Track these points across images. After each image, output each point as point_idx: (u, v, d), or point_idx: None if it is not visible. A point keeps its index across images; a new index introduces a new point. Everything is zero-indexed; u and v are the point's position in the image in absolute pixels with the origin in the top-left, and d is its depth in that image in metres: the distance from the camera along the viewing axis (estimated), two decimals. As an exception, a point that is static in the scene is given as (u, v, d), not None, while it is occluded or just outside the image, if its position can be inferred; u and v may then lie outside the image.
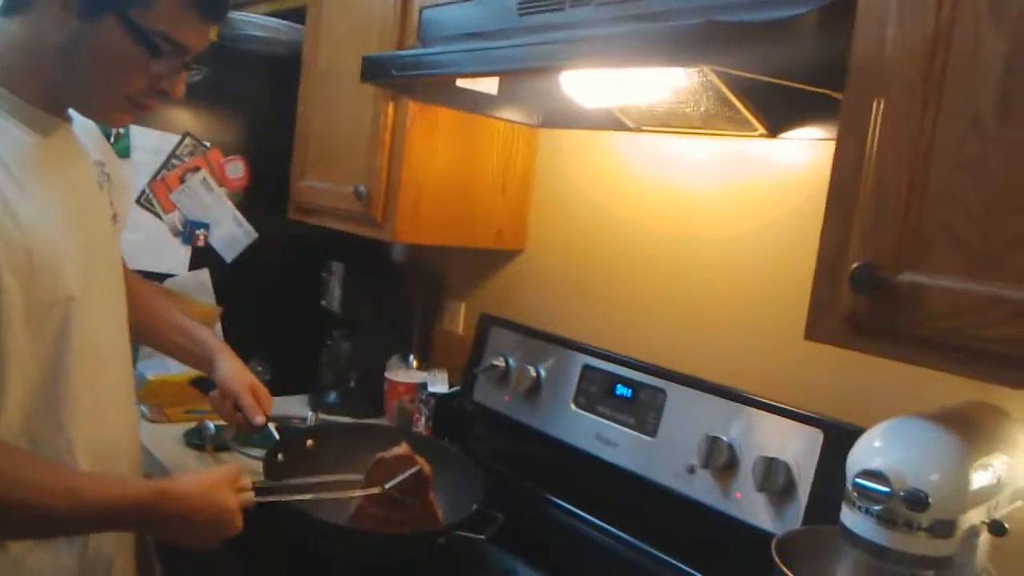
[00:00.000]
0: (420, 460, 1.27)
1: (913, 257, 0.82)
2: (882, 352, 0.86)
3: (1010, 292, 0.75)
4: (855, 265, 0.83)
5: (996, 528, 0.88)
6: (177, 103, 1.84)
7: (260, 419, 1.34)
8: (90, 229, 1.08)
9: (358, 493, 1.26)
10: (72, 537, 1.04)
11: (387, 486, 1.24)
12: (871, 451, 0.86)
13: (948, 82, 0.80)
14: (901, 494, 0.81)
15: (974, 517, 0.86)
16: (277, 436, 1.36)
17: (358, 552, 1.25)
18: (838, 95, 0.91)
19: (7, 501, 0.90)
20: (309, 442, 1.44)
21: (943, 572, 0.87)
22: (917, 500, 0.80)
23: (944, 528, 0.83)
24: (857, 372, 1.20)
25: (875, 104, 0.85)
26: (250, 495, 1.10)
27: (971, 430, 0.90)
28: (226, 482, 1.06)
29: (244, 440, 1.58)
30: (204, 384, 1.40)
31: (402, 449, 1.28)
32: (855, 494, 0.84)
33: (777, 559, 0.91)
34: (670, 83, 1.26)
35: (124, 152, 1.78)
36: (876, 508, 0.82)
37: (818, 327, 0.90)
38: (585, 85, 1.34)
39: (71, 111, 1.10)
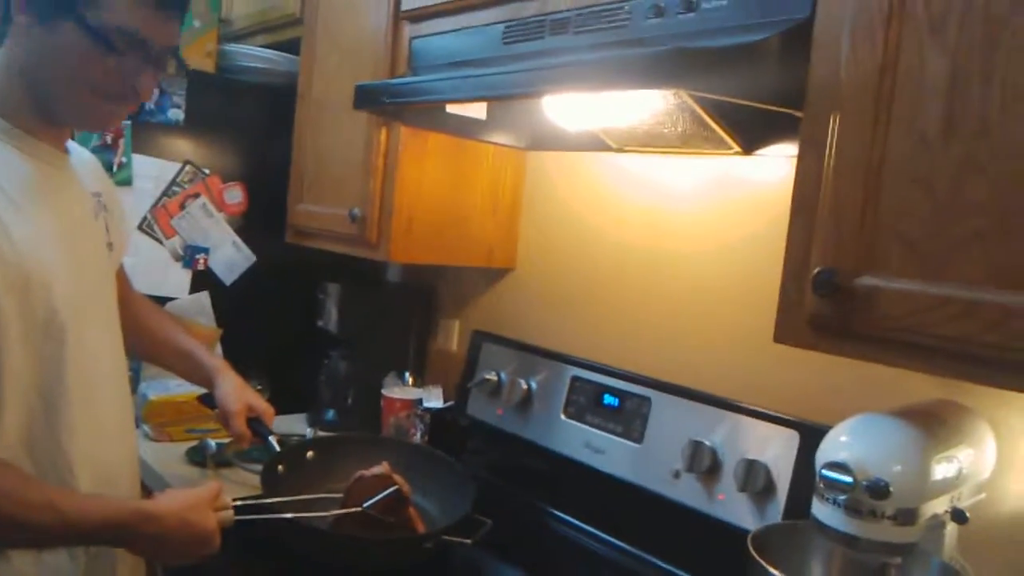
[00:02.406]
0: (398, 479, 1.30)
1: (869, 262, 0.88)
2: (844, 352, 0.91)
3: (959, 292, 0.81)
4: (817, 271, 0.90)
5: (958, 516, 0.94)
6: (178, 132, 1.91)
7: (243, 444, 1.42)
8: (83, 255, 1.13)
9: (337, 512, 1.30)
10: None
11: (365, 505, 1.28)
12: (837, 445, 0.92)
13: (897, 101, 0.86)
14: (864, 484, 0.86)
15: (937, 506, 0.92)
16: (278, 448, 1.41)
17: (346, 558, 1.28)
18: (799, 114, 0.98)
19: None
20: (309, 453, 1.49)
21: (909, 558, 0.93)
22: (878, 489, 0.85)
23: (907, 516, 0.88)
24: (828, 374, 1.26)
25: (831, 122, 0.92)
26: (230, 513, 1.13)
27: (934, 425, 0.96)
28: (205, 502, 1.11)
29: (245, 456, 1.62)
30: (210, 400, 1.45)
31: (381, 468, 1.31)
32: (822, 486, 0.89)
33: (753, 552, 0.96)
34: (648, 105, 1.33)
35: (127, 180, 1.85)
36: (842, 498, 0.87)
37: (785, 330, 0.96)
38: (567, 109, 1.40)
39: (69, 145, 1.16)
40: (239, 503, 1.17)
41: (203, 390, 1.49)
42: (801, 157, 0.95)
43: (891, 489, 0.85)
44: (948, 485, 0.92)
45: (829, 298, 0.89)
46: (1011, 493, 1.07)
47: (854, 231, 0.89)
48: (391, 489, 1.28)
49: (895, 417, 0.95)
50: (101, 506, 1.04)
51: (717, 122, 1.32)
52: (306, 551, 1.27)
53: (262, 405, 1.44)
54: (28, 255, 1.00)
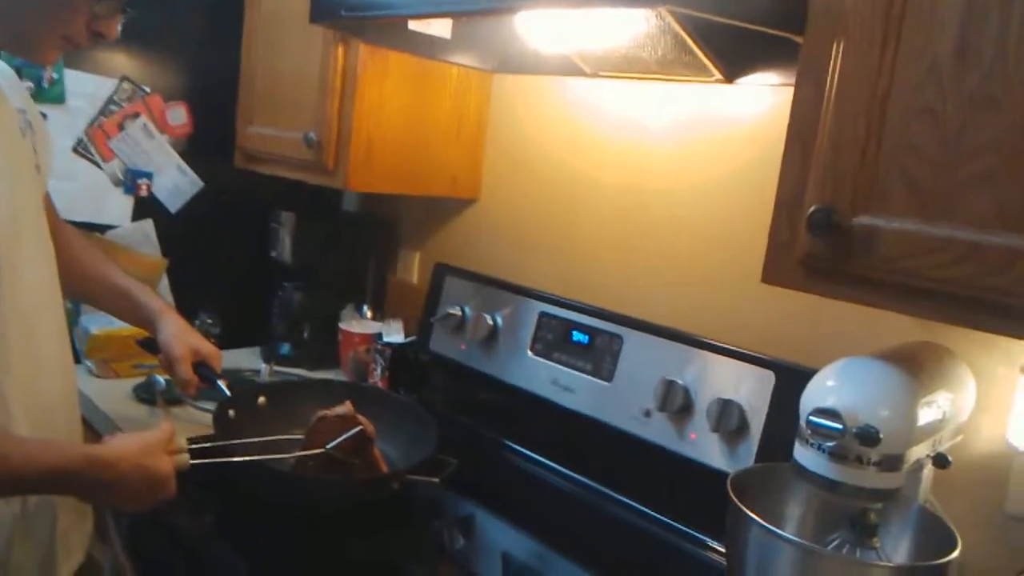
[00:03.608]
0: (362, 420, 1.26)
1: (869, 200, 0.83)
2: (837, 294, 0.87)
3: (961, 234, 0.77)
4: (812, 208, 0.85)
5: (940, 461, 0.92)
6: (113, 45, 1.75)
7: (190, 391, 1.34)
8: (12, 177, 1.03)
9: (298, 454, 1.25)
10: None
11: (328, 446, 1.23)
12: (824, 390, 0.89)
13: (907, 25, 0.80)
14: (854, 431, 0.83)
15: (920, 451, 0.90)
16: (228, 393, 1.34)
17: (308, 500, 1.24)
18: (798, 38, 0.91)
19: None
20: (261, 399, 1.42)
21: (890, 503, 0.91)
22: (869, 436, 0.82)
23: (893, 462, 0.86)
24: (805, 314, 1.24)
25: (834, 47, 0.85)
26: (185, 457, 1.07)
27: (918, 369, 0.93)
28: (159, 445, 1.04)
29: (196, 393, 1.55)
30: (152, 345, 1.36)
31: (344, 408, 1.26)
32: (809, 432, 0.86)
33: (732, 495, 0.94)
34: (628, 27, 1.24)
35: (59, 98, 1.70)
36: (829, 444, 0.84)
37: (775, 270, 0.91)
38: (541, 28, 1.31)
39: None
40: (194, 446, 1.10)
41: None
42: (799, 85, 0.89)
43: (881, 436, 0.82)
44: (932, 429, 0.90)
45: (824, 238, 0.84)
46: (985, 435, 1.07)
47: (854, 166, 0.84)
48: (355, 430, 1.23)
49: (881, 361, 0.92)
50: (49, 452, 0.96)
51: (700, 46, 1.25)
52: (267, 493, 1.22)
53: (208, 348, 1.35)
54: None
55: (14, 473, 0.92)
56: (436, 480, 1.23)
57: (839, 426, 0.83)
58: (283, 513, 1.23)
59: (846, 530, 0.93)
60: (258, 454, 1.19)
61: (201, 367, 1.34)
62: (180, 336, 1.32)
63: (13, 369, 1.00)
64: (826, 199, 0.85)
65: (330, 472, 1.24)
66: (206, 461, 1.11)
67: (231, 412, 1.33)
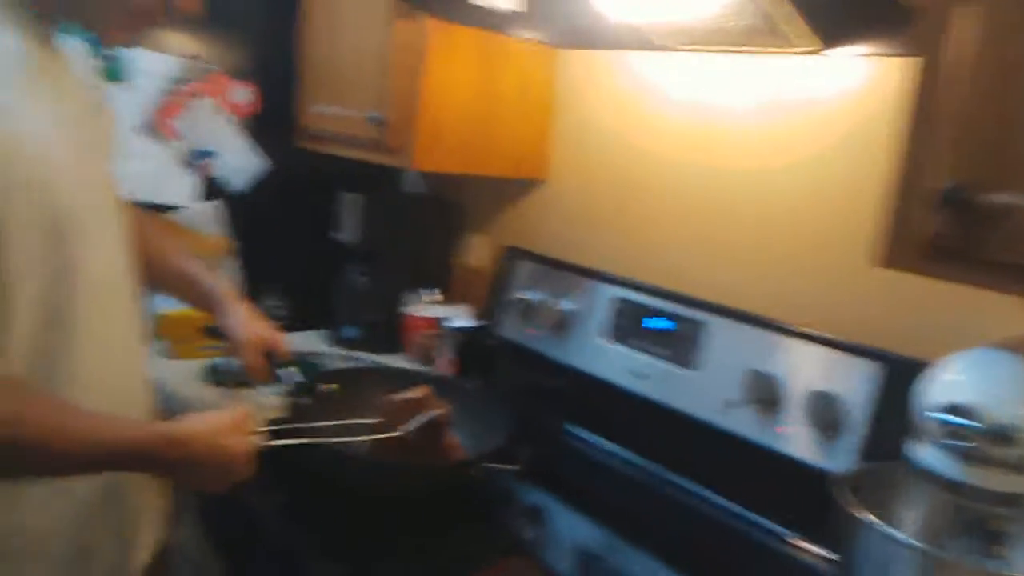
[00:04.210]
0: (439, 403, 1.23)
1: (1005, 176, 0.75)
2: (965, 278, 0.80)
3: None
4: (945, 185, 0.77)
5: (1076, 463, 0.84)
6: (178, 23, 1.73)
7: (259, 378, 1.30)
8: (89, 153, 1.00)
9: (374, 437, 1.21)
10: None
11: (405, 430, 1.20)
12: (950, 385, 0.82)
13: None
14: (988, 429, 0.76)
15: (1054, 452, 0.82)
16: (301, 378, 1.32)
17: (384, 486, 1.21)
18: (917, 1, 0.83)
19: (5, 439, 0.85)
20: (333, 386, 1.39)
21: (1014, 509, 0.84)
22: (1005, 434, 0.75)
23: (1026, 463, 0.78)
24: (906, 305, 1.15)
25: (968, 10, 0.77)
26: (262, 437, 1.05)
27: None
28: (234, 426, 1.01)
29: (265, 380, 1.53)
30: (218, 332, 1.34)
31: (420, 391, 1.24)
32: (938, 430, 0.79)
33: (845, 495, 0.87)
34: (718, -7, 1.17)
35: (124, 76, 1.68)
36: (962, 444, 0.77)
37: (896, 254, 0.84)
38: (622, -4, 1.24)
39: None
40: (270, 427, 1.08)
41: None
42: (924, 54, 0.81)
43: (1019, 435, 0.75)
44: (1067, 429, 0.82)
45: (957, 217, 0.77)
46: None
47: (991, 140, 0.76)
48: (433, 413, 1.20)
49: (1008, 352, 0.84)
50: (123, 429, 0.94)
51: (798, 10, 1.16)
52: (343, 478, 1.19)
53: (274, 335, 1.32)
54: (29, 151, 0.87)
55: (88, 449, 0.90)
56: (516, 467, 1.18)
57: (974, 424, 0.76)
58: (357, 498, 1.20)
59: (969, 537, 0.85)
60: (333, 437, 1.16)
61: (269, 354, 1.31)
62: (247, 323, 1.30)
63: (89, 341, 0.98)
64: (957, 175, 0.77)
65: (406, 457, 1.21)
66: (283, 443, 1.09)
67: (304, 399, 1.30)
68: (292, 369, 1.32)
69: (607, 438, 1.48)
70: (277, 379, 1.35)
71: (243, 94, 1.84)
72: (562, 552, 1.22)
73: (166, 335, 1.68)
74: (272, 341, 1.31)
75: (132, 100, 1.71)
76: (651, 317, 1.40)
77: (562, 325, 1.53)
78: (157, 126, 1.75)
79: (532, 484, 1.32)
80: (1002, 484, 0.79)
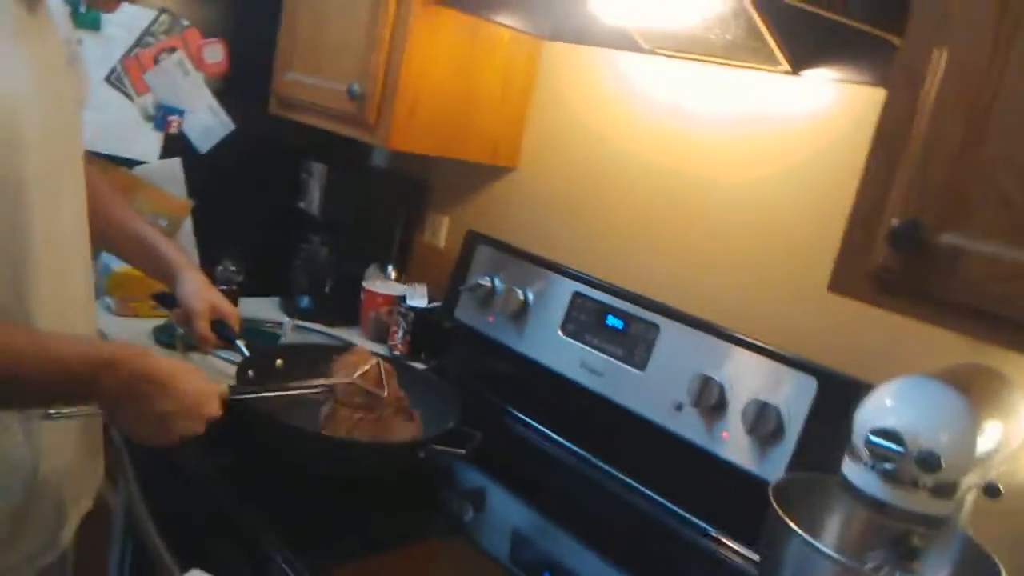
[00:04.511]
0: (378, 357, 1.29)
1: (957, 217, 0.79)
2: (909, 312, 0.84)
3: (1053, 263, 0.73)
4: (896, 222, 0.81)
5: (991, 491, 0.90)
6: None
7: (207, 348, 1.30)
8: (56, 111, 0.98)
9: (328, 381, 1.25)
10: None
11: (355, 376, 1.24)
12: (884, 409, 0.86)
13: (1021, 34, 0.75)
14: (915, 454, 0.80)
15: (972, 479, 0.87)
16: (247, 353, 1.32)
17: (335, 462, 1.22)
18: (892, 37, 0.87)
19: None
20: (279, 361, 1.39)
21: (935, 531, 0.89)
22: (930, 461, 0.80)
23: (947, 489, 0.83)
24: (852, 324, 1.20)
25: (936, 53, 0.81)
26: (224, 386, 1.05)
27: (976, 393, 0.90)
28: (194, 371, 0.99)
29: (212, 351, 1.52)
30: (167, 299, 1.33)
31: (360, 349, 1.30)
32: (867, 451, 0.83)
33: (774, 503, 0.92)
34: (703, 5, 1.19)
35: (94, 24, 1.64)
36: (887, 466, 0.82)
37: (845, 280, 0.88)
38: (612, -2, 1.26)
39: None
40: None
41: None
42: (892, 88, 0.84)
43: (943, 462, 0.79)
44: (987, 457, 0.87)
45: (905, 253, 0.80)
46: (1028, 464, 1.04)
47: (945, 179, 0.79)
48: (374, 361, 1.26)
49: (941, 383, 0.88)
50: (79, 345, 0.92)
51: (772, 32, 1.20)
52: (292, 454, 1.20)
53: (227, 306, 1.31)
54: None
55: (38, 365, 0.86)
56: (462, 452, 1.21)
57: (900, 448, 0.81)
58: (303, 472, 1.20)
59: (886, 551, 0.90)
60: (286, 403, 1.19)
61: (220, 325, 1.30)
62: (200, 292, 1.29)
63: (45, 301, 0.97)
64: (910, 211, 0.81)
65: (364, 411, 1.24)
66: (244, 396, 1.10)
67: (250, 372, 1.31)
68: (240, 342, 1.31)
69: (554, 429, 1.51)
70: (225, 348, 1.35)
71: (215, 52, 1.81)
72: (498, 535, 1.25)
73: (116, 292, 1.65)
74: (225, 312, 1.31)
75: (103, 50, 1.67)
76: (607, 314, 1.43)
77: (519, 314, 1.56)
78: (126, 79, 1.72)
79: (475, 467, 1.35)
80: (923, 506, 0.84)
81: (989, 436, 0.87)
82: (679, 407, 1.29)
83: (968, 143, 0.79)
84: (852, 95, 1.24)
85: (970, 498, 0.94)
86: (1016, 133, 0.76)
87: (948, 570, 0.94)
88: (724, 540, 1.25)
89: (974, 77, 0.78)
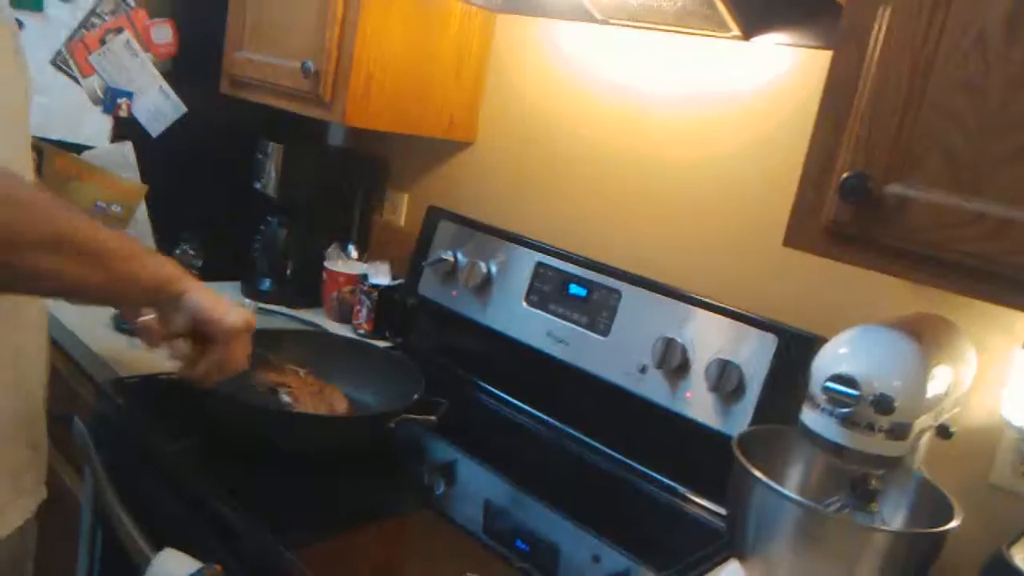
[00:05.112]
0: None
1: (902, 170, 0.83)
2: (861, 262, 0.87)
3: (994, 209, 0.77)
4: (845, 175, 0.84)
5: (943, 431, 0.94)
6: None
7: (155, 342, 1.25)
8: (7, 102, 0.96)
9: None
10: None
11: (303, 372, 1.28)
12: (839, 357, 0.89)
13: (959, -8, 0.79)
14: (869, 398, 0.84)
15: (925, 422, 0.91)
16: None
17: (308, 438, 1.22)
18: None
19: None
20: None
21: (892, 471, 0.93)
22: (884, 404, 0.83)
23: (901, 430, 0.87)
24: (808, 280, 1.24)
25: (880, 11, 0.83)
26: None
27: (929, 340, 0.94)
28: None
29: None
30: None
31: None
32: (824, 397, 0.87)
33: (738, 454, 0.95)
34: (653, -27, 1.21)
35: (36, 5, 1.60)
36: (843, 410, 0.85)
37: (799, 234, 0.91)
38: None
39: None
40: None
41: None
42: (839, 48, 0.87)
43: (896, 404, 0.83)
44: (938, 400, 0.92)
45: (855, 205, 0.83)
46: (978, 408, 1.09)
47: (890, 134, 0.83)
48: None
49: (894, 331, 0.92)
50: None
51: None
52: (259, 429, 1.20)
53: None
54: None
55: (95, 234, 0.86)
56: (432, 419, 1.22)
57: (855, 392, 0.84)
58: (271, 447, 1.20)
59: (846, 494, 0.95)
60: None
61: None
62: None
63: None
64: (859, 165, 0.84)
65: (317, 399, 1.26)
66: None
67: None
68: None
69: (521, 399, 1.53)
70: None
71: (163, 33, 1.77)
72: (472, 507, 1.27)
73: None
74: None
75: (47, 31, 1.63)
76: (569, 283, 1.45)
77: (482, 287, 1.57)
78: (72, 61, 1.68)
79: (445, 440, 1.36)
80: (879, 447, 0.88)
81: (940, 380, 0.91)
82: (643, 370, 1.31)
83: (911, 98, 0.82)
84: (805, 61, 1.27)
85: (924, 440, 0.99)
86: (956, 87, 0.79)
87: (905, 510, 0.99)
88: (692, 497, 1.28)
89: (916, 34, 0.81)
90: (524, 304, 1.50)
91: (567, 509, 1.23)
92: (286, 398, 1.26)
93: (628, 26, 1.46)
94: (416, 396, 1.27)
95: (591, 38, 1.54)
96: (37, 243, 0.80)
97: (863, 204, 0.83)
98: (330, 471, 1.19)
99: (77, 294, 0.93)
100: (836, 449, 0.89)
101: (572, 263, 1.46)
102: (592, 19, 1.49)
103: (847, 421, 0.87)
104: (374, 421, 1.25)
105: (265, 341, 1.27)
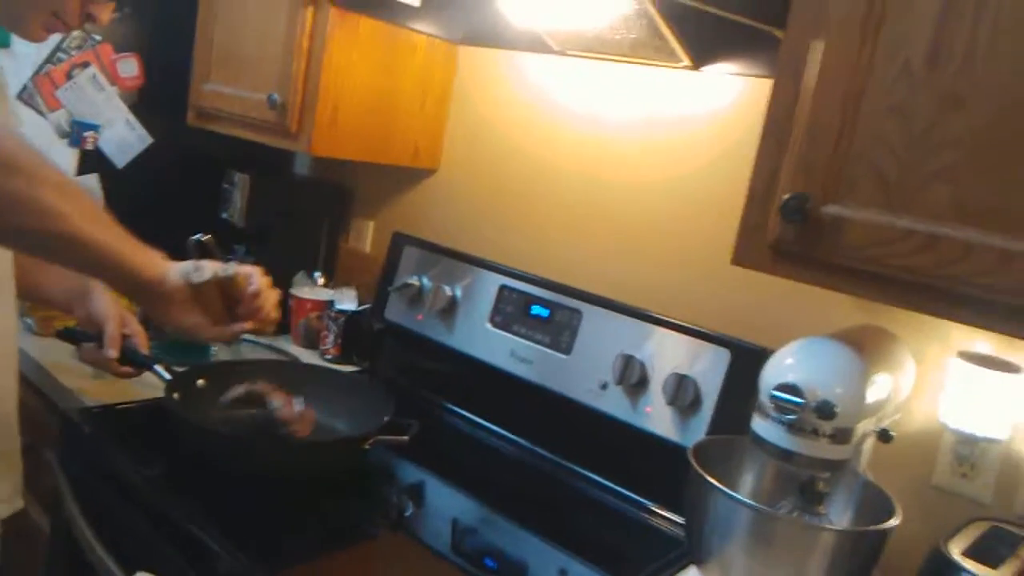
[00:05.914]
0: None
1: (838, 191, 0.89)
2: (802, 278, 0.93)
3: (921, 226, 0.83)
4: (786, 196, 0.89)
5: (884, 435, 1.00)
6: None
7: (112, 352, 1.26)
8: None
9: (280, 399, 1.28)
10: None
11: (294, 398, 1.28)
12: (785, 367, 0.95)
13: (885, 27, 0.85)
14: (812, 405, 0.89)
15: (867, 426, 0.97)
16: (167, 376, 1.30)
17: (272, 462, 1.23)
18: (776, 31, 0.96)
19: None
20: (200, 381, 1.37)
21: (837, 474, 0.98)
22: (826, 410, 0.89)
23: (844, 435, 0.93)
24: (758, 296, 1.30)
25: (813, 44, 0.90)
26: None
27: (869, 350, 1.00)
28: None
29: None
30: (76, 335, 1.31)
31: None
32: (771, 405, 0.92)
33: (693, 462, 0.99)
34: (606, 7, 1.27)
35: (3, 41, 1.62)
36: (789, 417, 0.90)
37: (746, 253, 0.96)
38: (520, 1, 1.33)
39: None
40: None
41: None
42: (778, 78, 0.93)
43: (836, 410, 0.88)
44: (878, 406, 0.98)
45: (795, 224, 0.89)
46: (918, 413, 1.15)
47: (827, 158, 0.89)
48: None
49: (835, 342, 0.98)
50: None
51: (672, 31, 1.29)
52: (231, 453, 1.21)
53: (136, 326, 1.31)
54: None
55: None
56: (405, 438, 1.25)
57: (799, 400, 0.89)
58: (243, 472, 1.21)
59: (795, 497, 0.99)
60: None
61: (132, 354, 1.29)
62: (112, 303, 1.28)
63: None
64: (799, 187, 0.90)
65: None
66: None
67: (175, 395, 1.29)
68: (158, 366, 1.31)
69: (487, 418, 1.56)
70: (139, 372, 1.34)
71: (129, 67, 1.80)
72: (439, 527, 1.29)
73: (36, 311, 1.63)
74: (134, 330, 1.30)
75: (14, 66, 1.65)
76: (532, 304, 1.49)
77: (448, 310, 1.60)
78: (39, 95, 1.69)
79: (413, 462, 1.38)
80: (824, 452, 0.93)
81: (879, 387, 0.97)
82: (604, 386, 1.36)
83: (845, 123, 0.88)
84: (753, 89, 1.34)
85: (867, 445, 1.05)
86: (885, 115, 0.86)
87: (851, 511, 1.04)
88: (655, 508, 1.32)
89: (847, 66, 0.88)
90: (489, 326, 1.54)
91: (534, 525, 1.26)
92: (275, 403, 1.27)
93: (584, 57, 1.53)
94: (387, 418, 1.29)
95: (551, 68, 1.60)
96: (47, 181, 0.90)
97: (803, 224, 0.89)
98: (300, 494, 1.21)
99: (83, 245, 0.96)
100: (784, 454, 0.94)
101: (534, 285, 1.50)
102: (550, 50, 1.56)
103: (793, 427, 0.92)
104: (350, 444, 1.27)
105: (240, 369, 1.30)
